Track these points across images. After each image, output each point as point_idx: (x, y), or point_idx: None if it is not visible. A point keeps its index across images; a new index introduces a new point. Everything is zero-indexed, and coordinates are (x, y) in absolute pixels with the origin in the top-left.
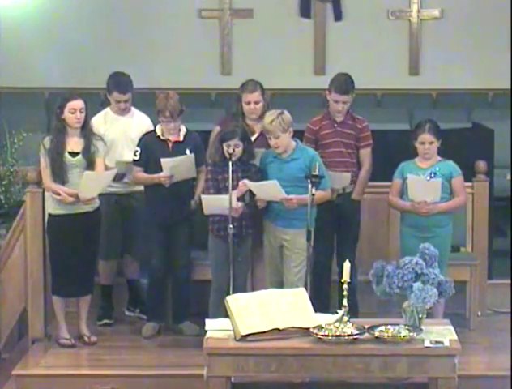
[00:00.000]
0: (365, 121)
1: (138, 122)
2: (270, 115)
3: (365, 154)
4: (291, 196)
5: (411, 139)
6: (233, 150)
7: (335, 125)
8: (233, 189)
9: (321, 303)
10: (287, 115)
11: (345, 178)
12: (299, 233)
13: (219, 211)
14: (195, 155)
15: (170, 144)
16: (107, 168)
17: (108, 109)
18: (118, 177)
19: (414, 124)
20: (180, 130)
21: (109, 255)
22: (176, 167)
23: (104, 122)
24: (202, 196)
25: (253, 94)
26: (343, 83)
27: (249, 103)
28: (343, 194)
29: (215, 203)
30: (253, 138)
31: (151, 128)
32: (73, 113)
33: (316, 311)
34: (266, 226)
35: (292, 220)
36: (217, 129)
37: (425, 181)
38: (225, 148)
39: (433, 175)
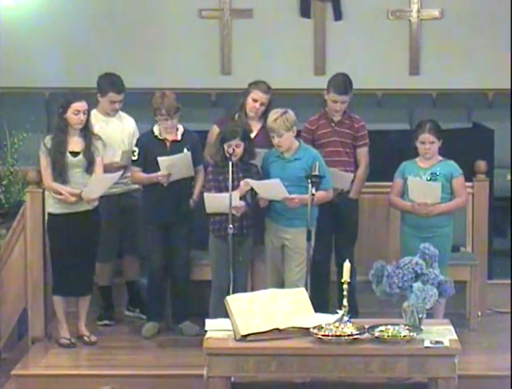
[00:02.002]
0: (362, 120)
1: (126, 123)
2: (275, 113)
3: (362, 153)
4: (293, 196)
5: (412, 139)
6: (233, 150)
7: (333, 124)
8: (234, 189)
9: (321, 303)
10: (291, 114)
11: (348, 178)
12: (300, 233)
13: (222, 209)
14: (193, 154)
15: (168, 144)
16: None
17: (95, 111)
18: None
19: (414, 124)
20: (177, 129)
21: (106, 257)
22: (173, 165)
23: (95, 124)
24: (205, 194)
25: (264, 95)
26: (342, 83)
27: (255, 101)
28: (341, 193)
29: (217, 202)
30: (252, 136)
31: (137, 129)
32: (76, 115)
33: (316, 311)
34: (268, 225)
35: (293, 220)
36: (215, 128)
37: (425, 183)
38: (226, 148)
39: (433, 175)
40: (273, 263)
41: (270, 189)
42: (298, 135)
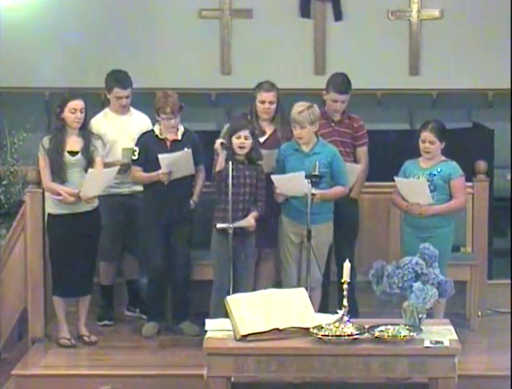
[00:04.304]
0: (361, 119)
1: (138, 121)
2: (300, 106)
3: (362, 152)
4: (314, 191)
5: (413, 139)
6: (243, 143)
7: (332, 124)
8: (240, 187)
9: (321, 303)
10: (316, 109)
11: (356, 169)
12: (322, 229)
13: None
14: (193, 154)
15: (168, 143)
16: (106, 167)
17: (107, 109)
18: (125, 168)
19: (414, 124)
20: (178, 129)
21: (111, 256)
22: (173, 163)
23: (105, 122)
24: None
25: (269, 93)
26: (342, 82)
27: (263, 102)
28: None
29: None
30: (263, 139)
31: (151, 127)
32: (73, 113)
33: (316, 311)
34: (286, 223)
35: (315, 215)
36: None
37: (410, 182)
38: (235, 141)
39: (431, 176)
40: (291, 260)
41: (294, 183)
42: None
